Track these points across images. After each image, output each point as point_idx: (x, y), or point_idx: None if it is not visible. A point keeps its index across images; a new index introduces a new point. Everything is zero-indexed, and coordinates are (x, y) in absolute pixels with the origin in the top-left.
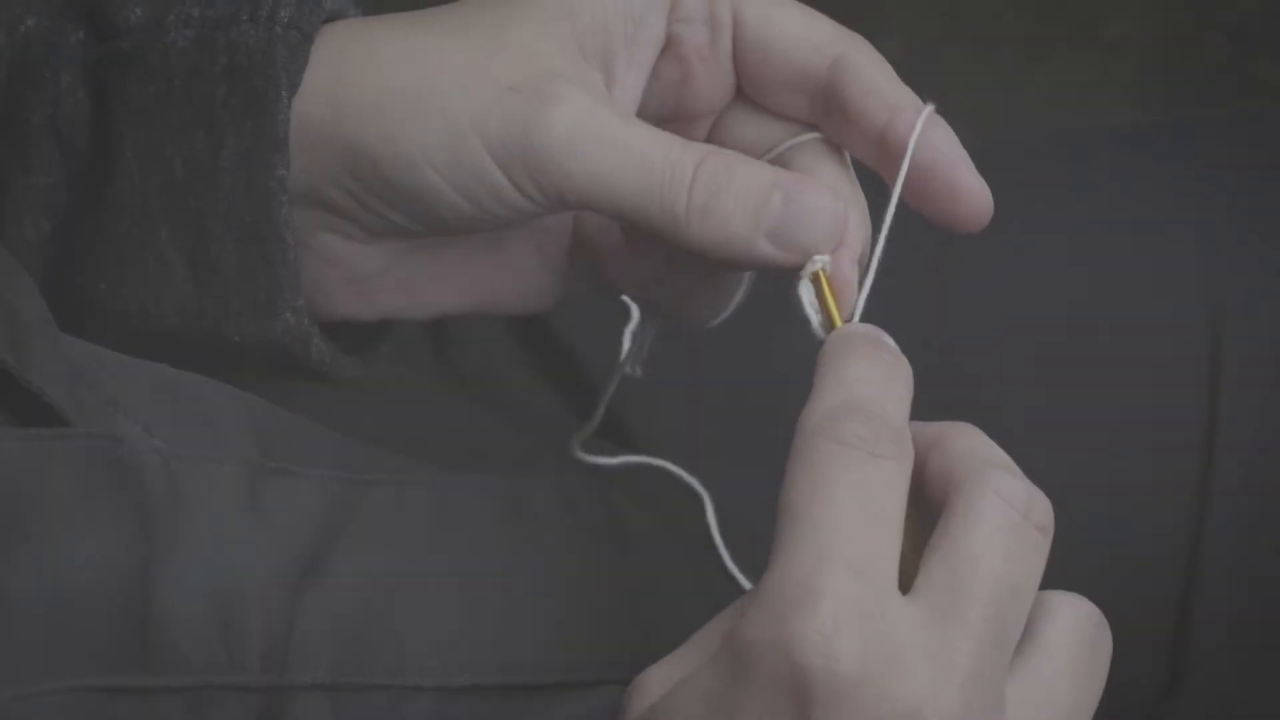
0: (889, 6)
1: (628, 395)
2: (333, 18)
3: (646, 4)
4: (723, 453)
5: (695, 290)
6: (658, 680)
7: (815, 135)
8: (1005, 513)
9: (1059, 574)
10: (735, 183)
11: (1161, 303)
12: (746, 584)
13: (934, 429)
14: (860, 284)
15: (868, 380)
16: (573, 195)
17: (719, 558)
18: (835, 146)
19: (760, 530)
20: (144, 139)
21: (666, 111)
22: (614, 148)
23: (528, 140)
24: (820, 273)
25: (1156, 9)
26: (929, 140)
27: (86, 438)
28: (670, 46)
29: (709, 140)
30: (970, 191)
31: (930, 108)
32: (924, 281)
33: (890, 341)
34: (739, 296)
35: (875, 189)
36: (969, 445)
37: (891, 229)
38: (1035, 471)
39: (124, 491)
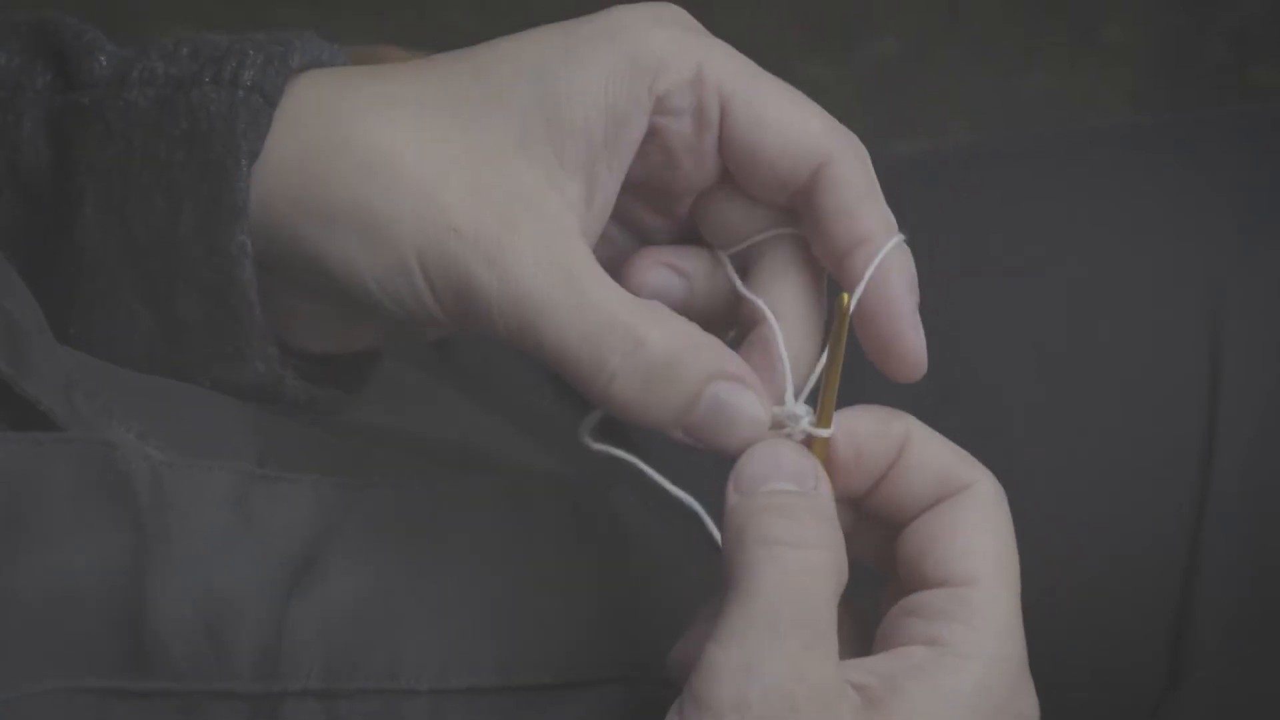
0: (889, 6)
1: None
2: (307, 67)
3: (630, 100)
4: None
5: None
6: None
7: (792, 231)
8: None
9: (1060, 573)
10: (670, 379)
11: (1161, 302)
12: None
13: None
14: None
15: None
16: (504, 337)
17: (719, 558)
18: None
19: None
20: (104, 198)
21: (650, 186)
22: (544, 310)
23: (464, 290)
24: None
25: (1156, 11)
26: (883, 284)
27: (81, 442)
28: (655, 135)
29: (692, 215)
30: (905, 350)
31: (897, 240)
32: (923, 281)
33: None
34: None
35: None
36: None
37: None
38: (1035, 471)
39: (118, 497)
